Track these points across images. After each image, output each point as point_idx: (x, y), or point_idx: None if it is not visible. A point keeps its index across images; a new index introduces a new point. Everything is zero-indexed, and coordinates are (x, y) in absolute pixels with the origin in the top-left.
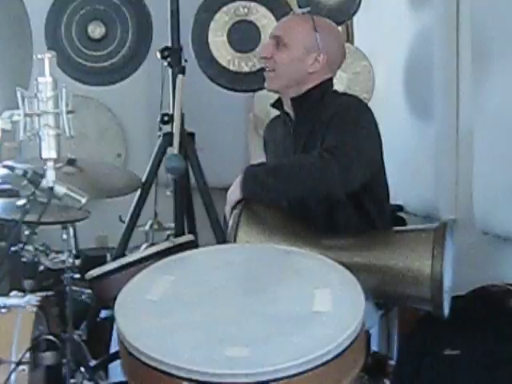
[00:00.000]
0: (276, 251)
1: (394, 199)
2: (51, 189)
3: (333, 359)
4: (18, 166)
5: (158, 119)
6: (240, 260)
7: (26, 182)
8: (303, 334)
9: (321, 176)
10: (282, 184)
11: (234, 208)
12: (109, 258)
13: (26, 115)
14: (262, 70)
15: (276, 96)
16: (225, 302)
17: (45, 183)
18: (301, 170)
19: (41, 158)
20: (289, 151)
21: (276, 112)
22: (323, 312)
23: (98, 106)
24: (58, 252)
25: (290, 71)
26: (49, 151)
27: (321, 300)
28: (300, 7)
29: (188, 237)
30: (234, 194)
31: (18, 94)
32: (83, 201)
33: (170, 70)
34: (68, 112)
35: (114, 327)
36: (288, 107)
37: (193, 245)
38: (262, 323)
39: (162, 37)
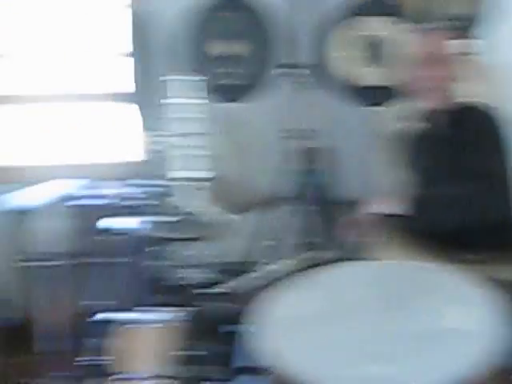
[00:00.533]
0: (417, 268)
1: None
2: (192, 207)
3: (476, 378)
4: (159, 184)
5: (292, 135)
6: (379, 277)
7: (165, 199)
8: (446, 351)
9: (482, 204)
10: (443, 214)
11: (374, 221)
12: (245, 271)
13: (172, 136)
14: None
15: (416, 109)
16: (367, 319)
17: (189, 202)
18: (460, 200)
19: (185, 178)
20: (434, 166)
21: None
22: (460, 329)
23: (233, 122)
24: (196, 267)
25: (452, 85)
26: (194, 171)
27: (457, 317)
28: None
29: (325, 253)
30: (388, 208)
31: (164, 116)
32: (232, 219)
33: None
34: (213, 133)
35: (241, 340)
36: (435, 121)
37: (330, 261)
38: (406, 340)
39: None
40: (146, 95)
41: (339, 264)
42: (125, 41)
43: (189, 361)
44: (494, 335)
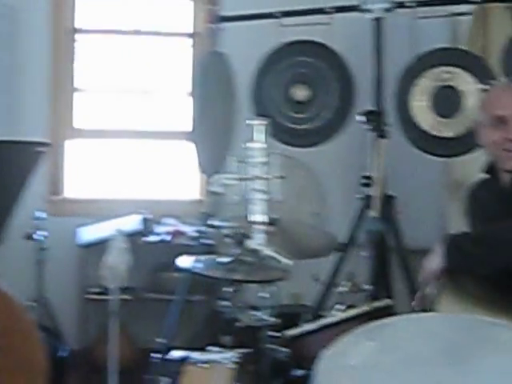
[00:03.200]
0: (480, 323)
1: None
2: (257, 250)
3: None
4: (223, 225)
5: (359, 181)
6: (442, 330)
7: (231, 241)
8: None
9: None
10: (488, 254)
11: (431, 277)
12: (304, 317)
13: (238, 179)
14: (462, 135)
15: (477, 160)
16: (425, 373)
17: (251, 244)
18: (509, 239)
19: (249, 221)
20: (500, 219)
21: (473, 175)
22: None
23: (299, 166)
24: (256, 309)
25: None
26: (257, 214)
27: None
28: (507, 75)
29: (386, 301)
30: (433, 262)
31: (230, 159)
32: (289, 263)
33: (371, 133)
34: (278, 177)
35: None
36: (503, 176)
37: (390, 309)
38: None
39: (364, 101)
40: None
41: (402, 315)
42: (187, 80)
43: None
44: None
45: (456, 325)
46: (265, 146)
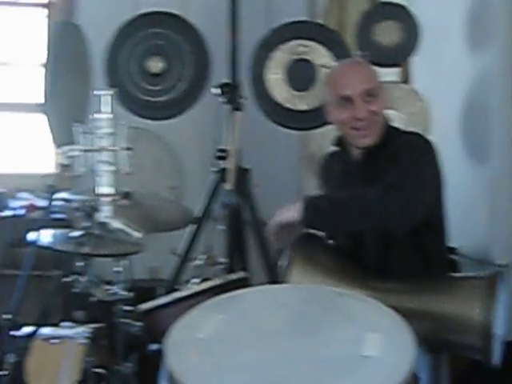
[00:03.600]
0: (328, 293)
1: (448, 241)
2: (106, 223)
3: None
4: (73, 198)
5: (214, 154)
6: (291, 301)
7: (81, 214)
8: (352, 378)
9: (383, 210)
10: (343, 215)
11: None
12: (160, 290)
13: (84, 151)
14: (317, 108)
15: (332, 133)
16: (274, 343)
17: (100, 218)
18: (362, 202)
19: (96, 193)
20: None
21: (330, 149)
22: (373, 357)
23: (154, 138)
24: (109, 283)
25: (383, 117)
26: (104, 187)
27: (371, 344)
28: (359, 48)
29: (240, 273)
30: (288, 215)
31: (76, 130)
32: (138, 236)
33: (226, 106)
34: (126, 149)
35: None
36: (354, 150)
37: (245, 282)
38: (312, 366)
39: (219, 73)
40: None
41: (253, 287)
42: (41, 51)
43: (110, 379)
44: (407, 364)
45: (305, 296)
46: (111, 116)
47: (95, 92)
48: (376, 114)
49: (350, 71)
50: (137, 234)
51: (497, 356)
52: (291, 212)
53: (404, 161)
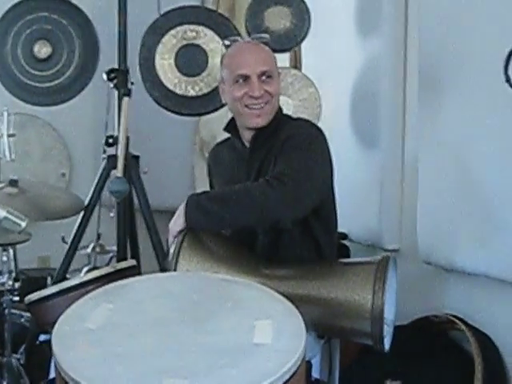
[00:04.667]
0: (217, 281)
1: (339, 227)
2: None
3: None
4: None
5: (103, 141)
6: (180, 289)
7: None
8: (243, 366)
9: (267, 204)
10: (226, 212)
11: (176, 237)
12: (50, 279)
13: None
14: (207, 94)
15: (223, 119)
16: (164, 333)
17: None
18: (246, 198)
19: None
20: (241, 177)
21: (222, 136)
22: (264, 344)
23: (43, 125)
24: (4, 274)
25: (277, 100)
26: None
27: (261, 332)
28: (249, 33)
29: (130, 261)
30: (177, 223)
31: None
32: (23, 225)
33: (116, 92)
34: (9, 135)
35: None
36: (245, 134)
37: (135, 270)
38: (202, 355)
39: (108, 58)
40: None
41: (141, 275)
42: None
43: (0, 371)
44: (299, 350)
45: (194, 284)
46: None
47: None
48: (271, 95)
49: (248, 51)
50: (23, 223)
51: (388, 341)
52: (178, 218)
53: (291, 150)
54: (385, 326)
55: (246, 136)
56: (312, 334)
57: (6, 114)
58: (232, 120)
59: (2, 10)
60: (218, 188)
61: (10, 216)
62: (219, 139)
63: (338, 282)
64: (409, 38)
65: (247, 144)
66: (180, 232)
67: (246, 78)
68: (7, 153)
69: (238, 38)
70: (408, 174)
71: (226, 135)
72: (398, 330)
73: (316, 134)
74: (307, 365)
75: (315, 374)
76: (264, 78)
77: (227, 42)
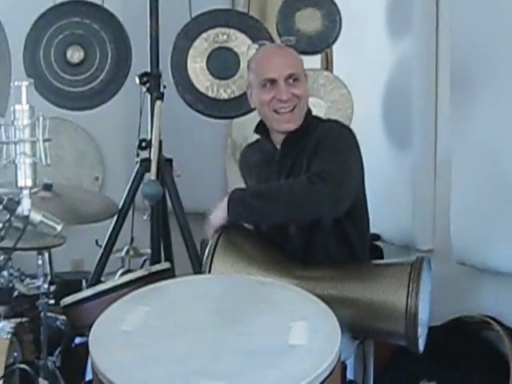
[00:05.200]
0: (251, 282)
1: (372, 228)
2: (27, 216)
3: None
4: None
5: (136, 145)
6: (215, 291)
7: (0, 208)
8: (278, 368)
9: (310, 200)
10: (269, 207)
11: (216, 232)
12: (84, 283)
13: (2, 143)
14: (239, 97)
15: (255, 122)
16: (199, 335)
17: (20, 211)
18: (289, 194)
19: (16, 186)
20: (271, 179)
21: (254, 138)
22: (299, 345)
23: (76, 130)
24: (32, 277)
25: (306, 102)
26: (25, 179)
27: (296, 333)
28: (280, 35)
29: (164, 264)
30: (219, 217)
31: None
32: (58, 228)
33: (148, 96)
34: (45, 140)
35: (89, 355)
36: (275, 136)
37: (169, 272)
38: (238, 356)
39: (141, 62)
40: None
41: (177, 277)
42: None
43: (35, 374)
44: (334, 352)
45: (229, 285)
46: (30, 107)
47: (15, 83)
48: (299, 98)
49: (275, 55)
50: (58, 227)
51: (422, 342)
52: (219, 212)
53: (325, 149)
54: (419, 327)
55: (277, 138)
56: (346, 336)
57: (41, 118)
58: (262, 121)
59: (35, 16)
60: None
61: (45, 220)
62: (250, 141)
63: (372, 283)
64: (440, 38)
65: (277, 146)
66: (220, 227)
67: (272, 81)
68: (43, 157)
69: (265, 42)
70: (441, 174)
71: (257, 137)
72: (432, 330)
73: (348, 134)
74: (342, 366)
75: (350, 375)
76: (291, 81)
77: (255, 46)
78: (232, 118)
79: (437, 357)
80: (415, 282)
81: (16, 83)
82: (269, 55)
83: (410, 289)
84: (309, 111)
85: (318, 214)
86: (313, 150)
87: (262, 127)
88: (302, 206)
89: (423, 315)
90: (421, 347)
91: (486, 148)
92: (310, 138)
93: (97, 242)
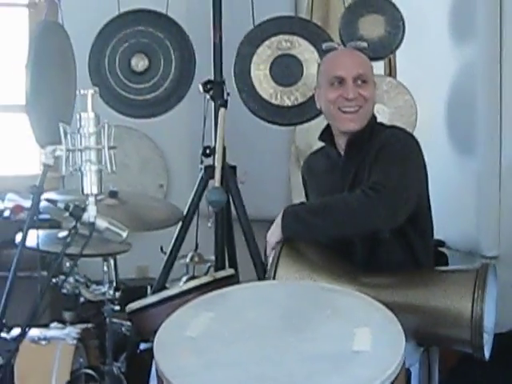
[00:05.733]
0: (316, 289)
1: (436, 234)
2: (92, 223)
3: None
4: (59, 199)
5: (200, 152)
6: (279, 297)
7: (67, 214)
8: (343, 374)
9: (365, 214)
10: (324, 223)
11: (273, 248)
12: (149, 289)
13: (68, 150)
14: (302, 103)
15: (319, 129)
16: (264, 340)
17: (86, 217)
18: (344, 209)
19: (82, 193)
20: (336, 186)
21: (318, 145)
22: (363, 352)
23: (141, 137)
24: (98, 283)
25: (372, 106)
26: (90, 186)
27: (361, 339)
28: (343, 42)
29: (229, 271)
30: (274, 235)
31: (61, 129)
32: (124, 235)
33: (212, 103)
34: (110, 148)
35: (153, 361)
36: (339, 142)
37: (234, 279)
38: (302, 362)
39: (204, 70)
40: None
41: (241, 284)
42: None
43: (100, 379)
44: (398, 358)
45: (293, 292)
46: (95, 115)
47: (81, 91)
48: (365, 99)
49: (344, 55)
50: (124, 234)
51: (488, 349)
52: (275, 229)
53: (385, 158)
54: (484, 335)
55: (341, 143)
56: (411, 342)
57: (106, 126)
58: (327, 128)
59: (100, 25)
60: (314, 197)
61: (111, 227)
62: (315, 148)
63: (436, 290)
64: (504, 43)
65: (342, 152)
66: (277, 243)
67: (341, 80)
68: (108, 165)
69: (335, 45)
70: (506, 180)
71: (321, 145)
72: (497, 337)
73: (411, 142)
74: (406, 373)
75: (414, 382)
76: (359, 81)
77: (325, 47)
78: (295, 124)
79: (502, 364)
80: (480, 288)
81: (82, 91)
82: (339, 55)
83: (476, 296)
84: (373, 117)
85: (374, 228)
86: (374, 156)
87: (326, 134)
88: (357, 220)
89: (488, 322)
90: (486, 354)
91: None
92: (374, 144)
93: (161, 248)
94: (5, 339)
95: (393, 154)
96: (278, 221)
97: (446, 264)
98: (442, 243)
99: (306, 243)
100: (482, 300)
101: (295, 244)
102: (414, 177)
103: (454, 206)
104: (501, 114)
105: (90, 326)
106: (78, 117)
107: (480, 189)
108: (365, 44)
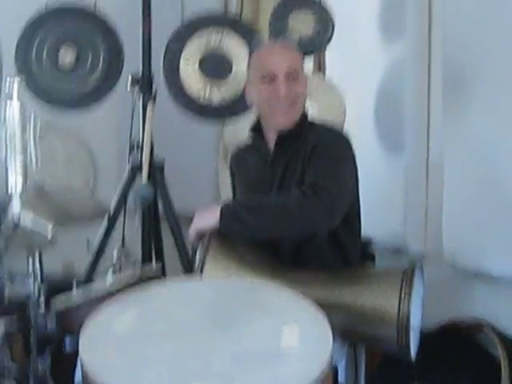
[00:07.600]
0: (243, 286)
1: (363, 231)
2: (17, 217)
3: None
4: None
5: (128, 147)
6: (207, 295)
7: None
8: (270, 371)
9: (304, 215)
10: (262, 223)
11: (201, 237)
12: (75, 285)
13: None
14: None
15: (247, 125)
16: (191, 338)
17: (10, 210)
18: (283, 210)
19: (6, 184)
20: (264, 180)
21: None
22: (291, 349)
23: (68, 132)
24: (22, 278)
25: (303, 102)
26: (15, 179)
27: (288, 337)
28: (273, 37)
29: (155, 267)
30: (206, 222)
31: None
32: (50, 229)
33: (140, 98)
34: (35, 140)
35: (78, 358)
36: (270, 136)
37: (161, 276)
38: (229, 360)
39: (133, 64)
40: None
41: (168, 280)
42: None
43: (24, 374)
44: (326, 356)
45: (221, 289)
46: (21, 105)
47: (6, 79)
48: (297, 95)
49: (276, 51)
50: (48, 228)
51: (414, 349)
52: (208, 218)
53: (321, 158)
54: (411, 332)
55: (271, 138)
56: (338, 340)
57: (32, 115)
58: (258, 122)
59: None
60: (242, 191)
61: (36, 221)
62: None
63: (364, 288)
64: (432, 42)
65: (271, 147)
66: (206, 229)
67: (272, 77)
68: (33, 158)
69: (265, 40)
70: (433, 177)
71: (247, 138)
72: (424, 334)
73: (346, 142)
74: (334, 370)
75: (341, 379)
76: (291, 78)
77: (254, 43)
78: (224, 120)
79: (428, 360)
80: (407, 287)
81: (8, 79)
82: (270, 51)
83: (402, 295)
84: (304, 113)
85: (313, 229)
86: (308, 154)
87: (257, 127)
88: (296, 221)
89: (415, 320)
90: (413, 354)
91: (479, 152)
92: (305, 141)
93: (88, 241)
94: None
95: (329, 153)
96: (215, 211)
97: (374, 262)
98: (369, 240)
99: (233, 240)
100: (409, 299)
101: (223, 240)
102: (349, 176)
103: (381, 204)
104: (429, 111)
105: (14, 321)
106: (3, 105)
107: (407, 187)
108: (293, 40)
